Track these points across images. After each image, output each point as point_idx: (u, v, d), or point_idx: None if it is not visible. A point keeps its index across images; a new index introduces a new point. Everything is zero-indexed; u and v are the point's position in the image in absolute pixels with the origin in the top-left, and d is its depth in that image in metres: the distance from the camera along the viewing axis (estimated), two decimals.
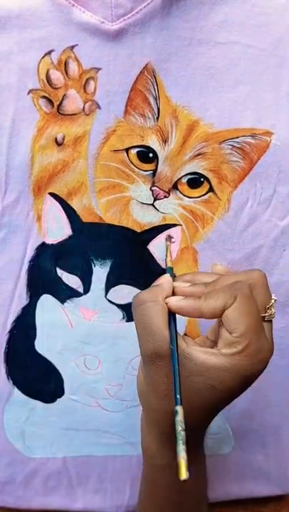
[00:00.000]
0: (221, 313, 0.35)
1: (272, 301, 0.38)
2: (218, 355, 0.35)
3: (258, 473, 0.53)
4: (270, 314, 0.38)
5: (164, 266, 0.46)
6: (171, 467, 0.39)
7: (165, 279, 0.40)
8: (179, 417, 0.31)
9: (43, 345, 0.49)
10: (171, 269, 0.42)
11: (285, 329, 0.48)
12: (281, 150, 0.43)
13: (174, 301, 0.37)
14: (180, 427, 0.30)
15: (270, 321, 0.38)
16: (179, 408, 0.31)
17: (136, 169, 0.44)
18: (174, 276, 0.41)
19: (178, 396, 0.32)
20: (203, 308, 0.36)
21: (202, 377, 0.35)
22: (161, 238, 0.46)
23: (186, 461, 0.28)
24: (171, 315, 0.37)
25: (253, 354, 0.34)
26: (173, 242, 0.46)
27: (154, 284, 0.40)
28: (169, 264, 0.43)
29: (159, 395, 0.36)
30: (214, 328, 0.42)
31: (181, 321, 0.47)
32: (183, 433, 0.30)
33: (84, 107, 0.43)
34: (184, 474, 0.28)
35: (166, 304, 0.37)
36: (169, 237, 0.45)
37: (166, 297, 0.37)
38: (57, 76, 0.42)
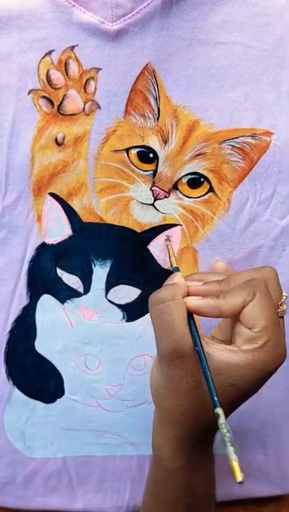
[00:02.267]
0: (240, 311, 0.35)
1: (284, 297, 0.38)
2: (238, 352, 0.35)
3: (258, 474, 0.53)
4: (283, 310, 0.38)
5: (164, 266, 0.46)
6: (183, 470, 0.39)
7: (179, 278, 0.39)
8: (222, 420, 0.30)
9: (43, 346, 0.49)
10: (178, 268, 0.42)
11: (286, 327, 0.48)
12: (281, 150, 0.43)
13: (193, 301, 0.37)
14: (225, 429, 0.30)
15: (282, 317, 0.38)
16: (219, 410, 0.31)
17: (136, 169, 0.44)
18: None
19: (215, 398, 0.32)
20: (223, 307, 0.36)
21: (222, 375, 0.35)
22: (161, 238, 0.46)
23: (238, 462, 0.28)
24: (190, 315, 0.36)
25: (273, 349, 0.35)
26: (171, 241, 0.45)
27: (167, 282, 0.40)
28: (175, 264, 0.43)
29: (178, 395, 0.36)
30: (223, 328, 0.42)
31: None
32: (229, 434, 0.29)
33: (84, 107, 0.43)
34: (239, 477, 0.27)
35: (185, 303, 0.37)
36: (168, 237, 0.45)
37: (183, 296, 0.37)
38: (57, 76, 0.42)
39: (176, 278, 0.39)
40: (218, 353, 0.35)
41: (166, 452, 0.39)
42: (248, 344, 0.35)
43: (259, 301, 0.35)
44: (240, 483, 0.27)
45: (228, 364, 0.35)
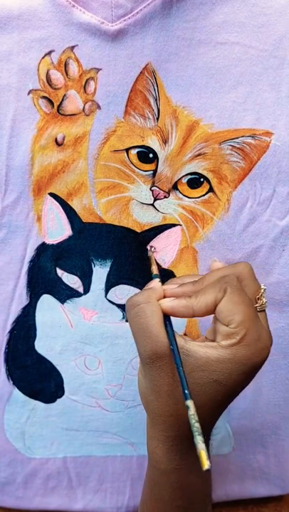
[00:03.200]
0: (214, 309, 0.36)
1: (262, 290, 0.38)
2: (217, 347, 0.35)
3: (257, 474, 0.53)
4: (262, 304, 0.38)
5: (164, 266, 0.46)
6: (177, 471, 0.39)
7: (155, 283, 0.40)
8: (192, 411, 0.31)
9: (43, 346, 0.49)
10: (158, 275, 0.42)
11: (284, 329, 0.48)
12: (281, 150, 0.43)
13: (166, 302, 0.37)
14: (194, 419, 0.30)
15: (264, 311, 0.38)
16: (190, 402, 0.32)
17: (136, 169, 0.44)
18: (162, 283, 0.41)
19: (186, 391, 0.33)
20: (195, 306, 0.36)
21: (204, 372, 0.35)
22: (161, 238, 0.46)
23: (205, 451, 0.29)
24: (166, 317, 0.37)
25: (252, 342, 0.35)
26: (155, 251, 0.46)
27: (144, 288, 0.40)
28: (155, 272, 0.43)
29: (162, 396, 0.36)
30: (212, 328, 0.42)
31: (181, 322, 0.48)
32: (197, 425, 0.30)
33: (84, 107, 0.43)
34: (205, 464, 0.28)
35: (160, 305, 0.37)
36: (151, 247, 0.46)
37: (158, 299, 0.38)
38: (57, 76, 0.42)
39: (152, 283, 0.40)
40: (198, 348, 0.35)
41: (159, 454, 0.39)
42: (227, 339, 0.35)
43: (230, 296, 0.35)
44: (207, 471, 0.28)
45: (208, 359, 0.35)
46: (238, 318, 0.35)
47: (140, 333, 0.36)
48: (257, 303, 0.38)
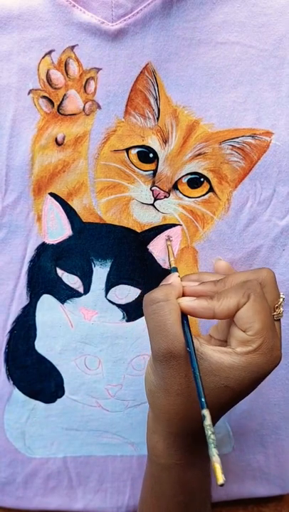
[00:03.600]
0: (234, 313, 0.35)
1: (281, 299, 0.38)
2: (232, 354, 0.35)
3: (257, 473, 0.53)
4: (279, 313, 0.38)
5: (164, 266, 0.46)
6: (178, 467, 0.39)
7: (175, 278, 0.39)
8: (207, 421, 0.30)
9: (43, 346, 0.49)
10: (176, 269, 0.42)
11: (285, 329, 0.48)
12: (281, 150, 0.43)
13: (187, 302, 0.37)
14: (210, 431, 0.30)
15: (279, 320, 0.38)
16: (206, 412, 0.31)
17: (136, 169, 0.44)
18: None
19: (203, 399, 0.32)
20: (216, 309, 0.36)
21: (216, 377, 0.35)
22: (161, 238, 0.46)
23: (220, 465, 0.28)
24: (184, 316, 0.36)
25: (267, 352, 0.35)
26: (171, 241, 0.46)
27: (163, 282, 0.40)
28: (173, 265, 0.43)
29: (171, 394, 0.36)
30: (220, 328, 0.42)
31: None
32: (213, 436, 0.29)
33: (84, 107, 0.43)
34: (220, 479, 0.27)
35: (179, 304, 0.37)
36: (169, 238, 0.45)
37: (177, 297, 0.37)
38: (57, 76, 0.42)
39: (172, 278, 0.39)
40: (213, 353, 0.35)
41: (160, 449, 0.39)
42: (242, 347, 0.35)
43: (253, 304, 0.35)
44: (222, 485, 0.27)
45: (221, 365, 0.35)
46: (257, 326, 0.34)
47: (156, 331, 0.36)
48: (275, 311, 0.38)
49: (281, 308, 0.38)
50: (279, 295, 0.38)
